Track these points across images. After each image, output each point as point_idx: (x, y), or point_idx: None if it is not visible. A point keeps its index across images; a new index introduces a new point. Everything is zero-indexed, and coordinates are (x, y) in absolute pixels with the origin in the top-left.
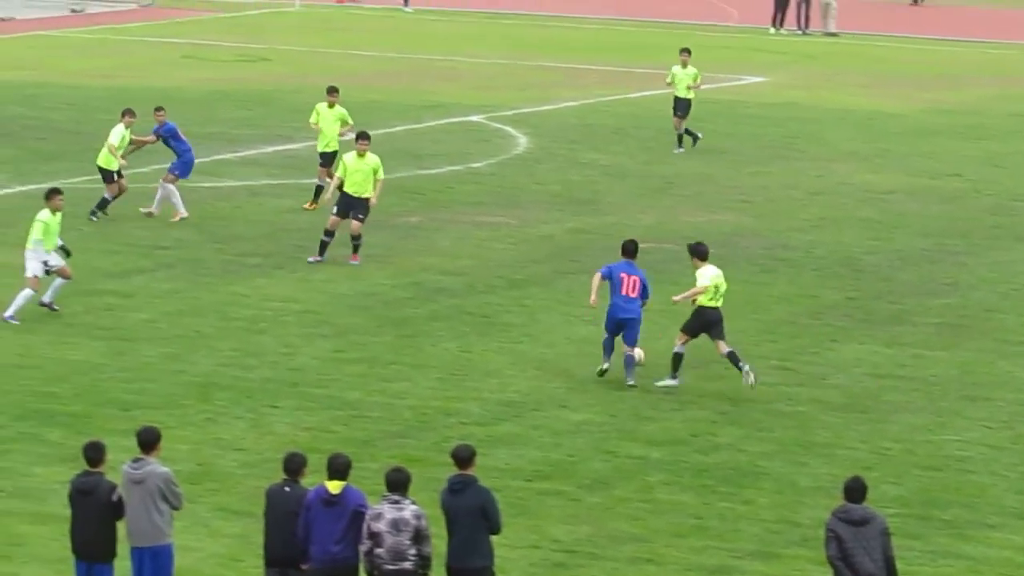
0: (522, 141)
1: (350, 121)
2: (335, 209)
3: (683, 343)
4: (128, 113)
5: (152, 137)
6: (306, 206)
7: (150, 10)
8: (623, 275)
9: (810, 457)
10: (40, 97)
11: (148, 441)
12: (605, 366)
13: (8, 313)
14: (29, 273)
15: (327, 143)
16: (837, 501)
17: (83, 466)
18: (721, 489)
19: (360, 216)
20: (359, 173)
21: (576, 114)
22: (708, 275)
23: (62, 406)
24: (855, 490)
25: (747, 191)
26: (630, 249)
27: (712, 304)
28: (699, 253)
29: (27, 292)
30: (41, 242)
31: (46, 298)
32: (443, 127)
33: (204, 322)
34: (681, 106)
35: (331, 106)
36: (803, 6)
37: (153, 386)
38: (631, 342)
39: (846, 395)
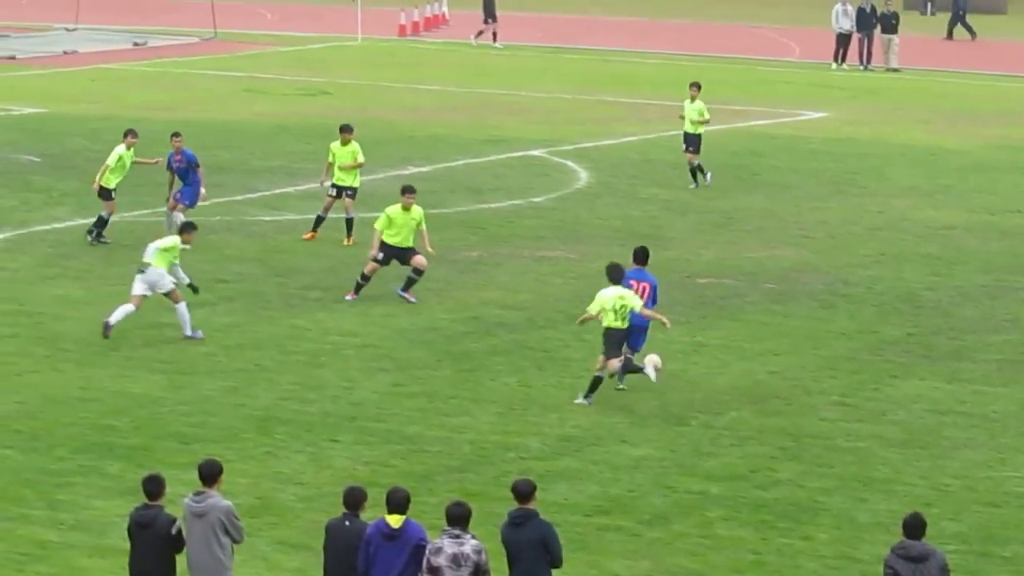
0: (583, 176)
1: (359, 159)
2: (380, 256)
3: (601, 368)
4: (130, 134)
5: (155, 159)
6: (306, 236)
7: (212, 43)
8: (632, 282)
9: (869, 493)
10: (103, 130)
11: (210, 474)
12: (621, 385)
13: (108, 325)
14: (170, 286)
15: (340, 179)
16: (896, 537)
17: (142, 499)
18: (780, 525)
19: (417, 253)
20: (406, 228)
21: (637, 149)
22: (603, 295)
23: (122, 439)
24: (914, 526)
25: (808, 226)
26: (641, 256)
27: (616, 325)
28: (608, 275)
29: (182, 307)
30: (177, 265)
31: (188, 332)
32: (504, 161)
33: (264, 355)
34: (690, 141)
35: (345, 143)
36: (865, 42)
37: (213, 419)
38: (635, 347)
39: (906, 431)
